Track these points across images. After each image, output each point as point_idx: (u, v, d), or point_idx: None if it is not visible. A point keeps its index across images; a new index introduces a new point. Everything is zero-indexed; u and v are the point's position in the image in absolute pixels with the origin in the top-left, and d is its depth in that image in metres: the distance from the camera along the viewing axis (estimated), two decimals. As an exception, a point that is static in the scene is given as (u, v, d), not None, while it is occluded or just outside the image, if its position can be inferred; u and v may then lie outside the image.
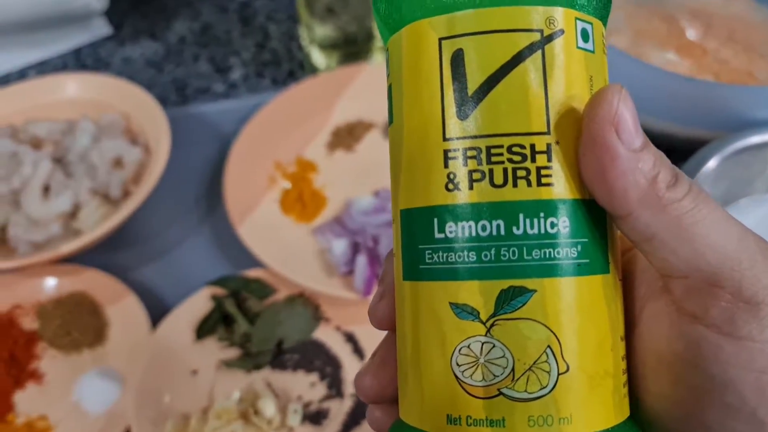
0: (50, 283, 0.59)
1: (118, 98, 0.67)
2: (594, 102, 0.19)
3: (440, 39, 0.19)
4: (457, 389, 0.19)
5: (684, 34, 0.68)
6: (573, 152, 0.19)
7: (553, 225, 0.19)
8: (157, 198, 0.63)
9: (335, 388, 0.52)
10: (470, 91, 0.19)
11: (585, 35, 0.20)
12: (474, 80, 0.19)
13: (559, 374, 0.19)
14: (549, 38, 0.19)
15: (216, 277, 0.58)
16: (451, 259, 0.19)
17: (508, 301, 0.18)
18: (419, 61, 0.20)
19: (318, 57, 0.74)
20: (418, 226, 0.20)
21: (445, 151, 0.19)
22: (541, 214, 0.19)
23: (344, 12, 0.73)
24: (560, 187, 0.19)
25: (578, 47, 0.19)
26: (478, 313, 0.19)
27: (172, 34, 0.84)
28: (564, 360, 0.19)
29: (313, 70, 0.76)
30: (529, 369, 0.18)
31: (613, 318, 0.20)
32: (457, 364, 0.19)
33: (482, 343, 0.19)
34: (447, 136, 0.19)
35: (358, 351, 0.54)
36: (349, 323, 0.56)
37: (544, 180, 0.19)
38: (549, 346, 0.18)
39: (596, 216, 0.19)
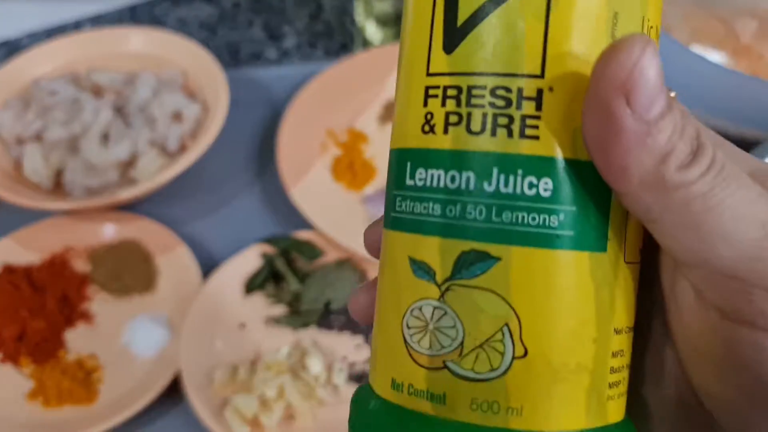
0: (104, 228, 0.60)
1: (178, 55, 0.68)
2: (605, 56, 0.15)
3: None
4: (404, 353, 0.17)
5: (740, 36, 0.68)
6: (570, 103, 0.16)
7: (531, 185, 0.16)
8: (211, 155, 0.64)
9: (379, 351, 0.54)
10: (460, 20, 0.16)
11: None
12: (466, 6, 0.16)
13: (514, 358, 0.16)
14: None
15: (265, 236, 0.59)
16: (417, 209, 0.17)
17: (467, 265, 0.16)
18: None
19: (373, 32, 0.75)
20: (395, 169, 0.18)
21: (426, 88, 0.17)
22: (519, 171, 0.16)
23: (399, -10, 0.74)
24: (548, 142, 0.16)
25: None
26: (434, 273, 0.17)
27: (226, -2, 0.84)
28: (522, 343, 0.16)
29: (365, 44, 0.77)
30: (480, 346, 0.16)
31: (603, 305, 0.16)
32: (408, 326, 0.17)
33: (434, 308, 0.17)
34: (430, 71, 0.17)
35: (402, 318, 0.55)
36: (395, 291, 0.57)
37: (528, 131, 0.16)
38: (507, 324, 0.16)
39: (596, 183, 0.16)
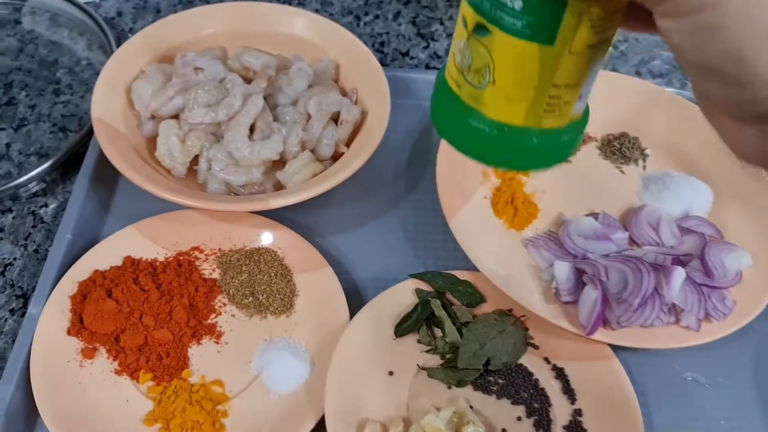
0: (237, 230, 0.53)
1: (334, 45, 0.60)
2: None
3: None
4: (452, 60, 0.31)
5: None
6: None
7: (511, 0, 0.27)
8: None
9: (543, 429, 0.47)
10: None
11: None
12: None
13: (488, 82, 0.29)
14: None
15: (414, 262, 0.53)
16: None
17: (478, 30, 0.28)
18: None
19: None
20: None
21: None
22: None
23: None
24: None
25: None
26: (467, 26, 0.29)
27: (370, -18, 0.77)
28: (493, 77, 0.29)
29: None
30: (477, 70, 0.29)
31: (544, 71, 0.28)
32: (456, 48, 0.30)
33: (464, 43, 0.29)
34: None
35: (568, 392, 0.48)
36: (559, 357, 0.50)
37: None
38: (488, 65, 0.29)
39: (552, 5, 0.26)
